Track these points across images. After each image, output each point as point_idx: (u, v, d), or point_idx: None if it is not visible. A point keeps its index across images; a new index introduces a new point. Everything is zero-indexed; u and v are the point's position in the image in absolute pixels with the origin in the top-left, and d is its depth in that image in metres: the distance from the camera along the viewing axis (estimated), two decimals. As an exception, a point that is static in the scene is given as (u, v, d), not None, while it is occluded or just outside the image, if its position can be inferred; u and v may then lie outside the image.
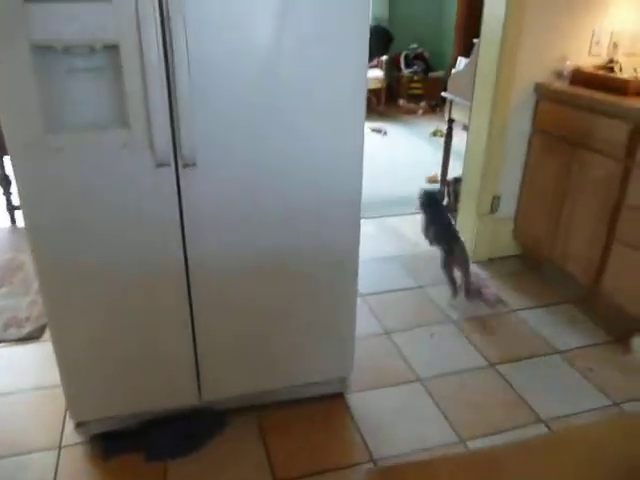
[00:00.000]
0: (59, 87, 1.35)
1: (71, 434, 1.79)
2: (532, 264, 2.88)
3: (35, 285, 2.62)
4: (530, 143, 2.73)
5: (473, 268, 2.84)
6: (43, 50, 1.29)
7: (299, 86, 1.45)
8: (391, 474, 1.03)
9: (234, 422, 1.83)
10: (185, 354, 1.68)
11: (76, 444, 1.77)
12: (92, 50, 1.32)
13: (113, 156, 1.40)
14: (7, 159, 3.09)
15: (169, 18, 1.28)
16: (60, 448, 1.76)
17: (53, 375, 1.98)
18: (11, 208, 3.29)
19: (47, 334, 2.27)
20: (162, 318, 1.62)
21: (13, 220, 3.32)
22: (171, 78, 1.35)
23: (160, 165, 1.42)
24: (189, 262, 1.56)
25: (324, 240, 1.66)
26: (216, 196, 1.51)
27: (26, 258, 2.87)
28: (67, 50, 1.32)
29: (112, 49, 1.31)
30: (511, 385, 2.05)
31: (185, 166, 1.43)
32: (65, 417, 1.86)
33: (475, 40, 3.11)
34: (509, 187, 2.84)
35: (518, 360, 2.19)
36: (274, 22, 1.37)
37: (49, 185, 1.39)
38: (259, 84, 1.42)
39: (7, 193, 3.25)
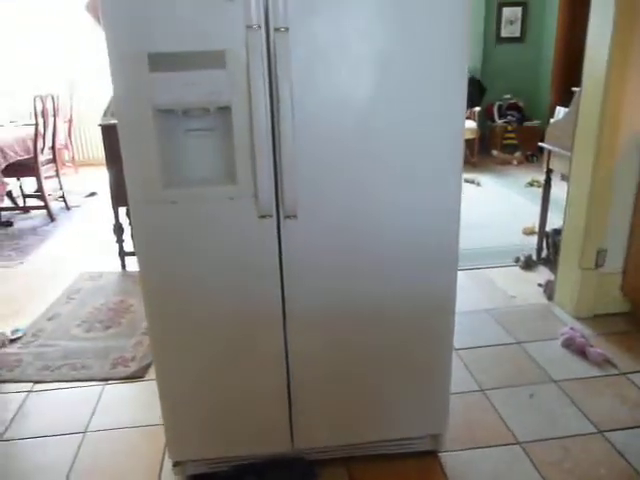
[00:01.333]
0: (177, 146, 1.48)
1: (169, 473, 1.86)
2: (644, 323, 2.67)
3: (141, 327, 2.79)
4: (638, 192, 2.58)
5: (576, 324, 2.69)
6: (164, 113, 1.43)
7: (398, 137, 1.49)
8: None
9: (325, 473, 1.81)
10: (280, 401, 1.71)
11: (173, 483, 1.83)
12: (206, 111, 1.45)
13: (221, 208, 1.49)
14: (122, 210, 3.40)
15: (277, 82, 1.38)
16: (158, 487, 1.83)
17: (154, 414, 2.09)
18: (123, 254, 3.56)
19: (150, 374, 2.40)
20: (259, 364, 1.66)
21: (124, 265, 3.59)
22: (276, 136, 1.43)
23: (263, 216, 1.50)
24: (286, 310, 1.61)
25: (421, 290, 1.65)
26: (315, 246, 1.56)
27: (134, 301, 3.07)
28: (185, 113, 1.45)
29: (224, 110, 1.43)
30: (622, 455, 1.88)
31: (286, 217, 1.50)
32: (164, 456, 1.93)
33: (574, 89, 3.05)
34: (616, 239, 2.68)
35: (629, 428, 2.01)
36: (374, 74, 1.44)
37: (162, 234, 1.51)
38: (357, 135, 1.48)
39: (120, 240, 3.53)
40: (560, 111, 3.49)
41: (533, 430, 2.01)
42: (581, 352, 2.45)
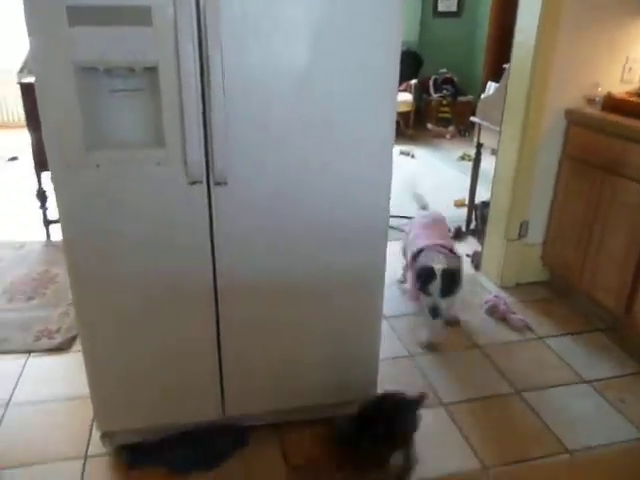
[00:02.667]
0: (99, 107, 1.41)
1: (97, 444, 1.82)
2: (561, 291, 2.83)
3: (67, 297, 2.68)
4: (560, 168, 2.71)
5: (500, 293, 2.82)
6: (86, 71, 1.35)
7: (332, 104, 1.49)
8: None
9: (256, 439, 1.83)
10: (210, 369, 1.70)
11: (102, 454, 1.80)
12: (132, 71, 1.38)
13: (148, 173, 1.45)
14: (44, 175, 3.23)
15: (206, 41, 1.33)
16: (86, 458, 1.79)
17: (81, 386, 2.03)
18: (47, 222, 3.39)
19: (77, 346, 2.33)
20: (189, 333, 1.65)
21: (48, 234, 3.42)
22: (206, 99, 1.39)
23: (193, 182, 1.46)
24: (217, 278, 1.59)
25: (352, 260, 1.67)
26: (246, 213, 1.54)
27: (59, 271, 2.95)
28: (109, 71, 1.38)
29: (151, 70, 1.37)
30: (538, 414, 2.01)
31: (217, 184, 1.47)
32: (92, 427, 1.89)
33: (505, 65, 3.13)
34: (538, 212, 2.82)
35: (545, 388, 2.15)
36: (308, 43, 1.42)
37: (86, 199, 1.45)
38: (291, 102, 1.46)
39: (43, 208, 3.36)
40: (491, 86, 3.58)
41: (457, 392, 2.11)
42: (503, 319, 2.58)
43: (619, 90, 2.58)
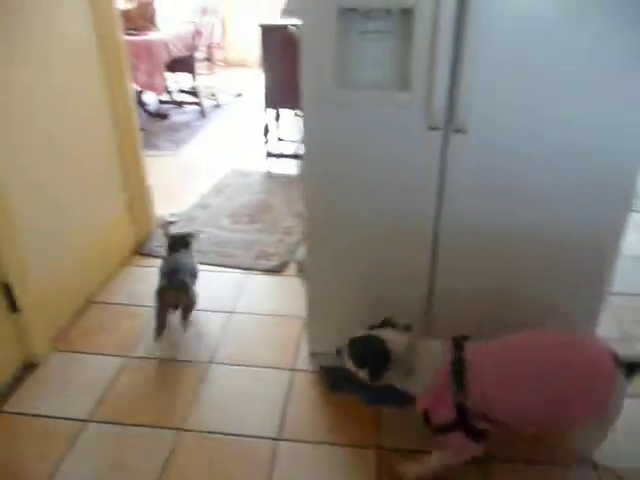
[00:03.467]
0: (352, 48, 1.47)
1: (303, 361, 2.02)
2: None
3: (282, 226, 2.95)
4: None
5: None
6: (346, 13, 1.41)
7: (587, 53, 1.37)
8: None
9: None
10: (420, 301, 1.75)
11: (307, 371, 1.99)
12: (388, 13, 1.40)
13: (390, 115, 1.49)
14: (269, 112, 3.50)
15: (469, -17, 1.29)
16: (294, 371, 1.99)
17: (291, 306, 2.25)
18: (269, 155, 3.71)
19: (289, 270, 2.56)
20: (405, 271, 1.70)
21: (269, 166, 3.75)
22: (459, 46, 1.37)
23: (432, 128, 1.47)
24: (440, 224, 1.61)
25: (585, 225, 1.56)
26: (480, 165, 1.51)
27: (276, 201, 3.23)
28: (366, 13, 1.42)
29: (407, 13, 1.38)
30: None
31: (456, 131, 1.46)
32: (298, 345, 2.09)
33: None
34: None
35: None
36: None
37: (331, 136, 1.54)
38: (546, 52, 1.37)
39: (266, 142, 3.67)
40: None
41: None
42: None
43: None
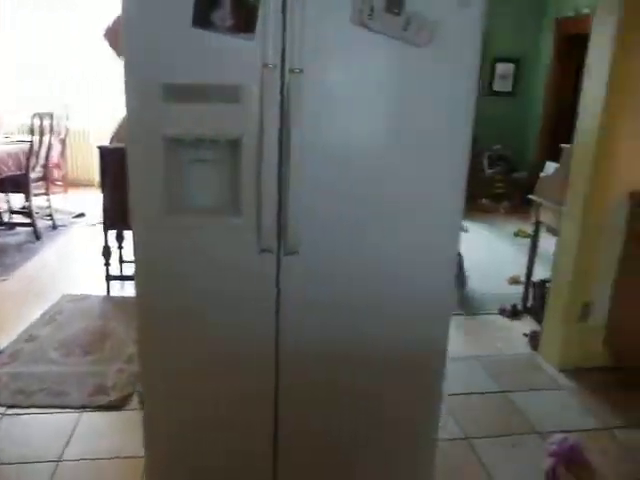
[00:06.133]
0: (183, 174, 1.49)
1: (144, 508, 1.80)
2: (626, 377, 2.68)
3: (123, 353, 2.73)
4: (624, 250, 2.64)
5: (560, 378, 2.71)
6: (173, 142, 1.44)
7: (402, 185, 1.52)
8: None
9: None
10: (265, 439, 1.67)
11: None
12: (216, 143, 1.46)
13: (224, 239, 1.50)
14: (110, 233, 3.38)
15: (289, 117, 1.40)
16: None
17: (133, 444, 2.04)
18: (109, 278, 3.52)
19: (131, 404, 2.35)
20: (249, 404, 1.64)
21: (108, 290, 3.54)
22: (284, 172, 1.45)
23: (263, 250, 1.50)
24: (279, 347, 1.59)
25: (414, 335, 1.65)
26: (312, 284, 1.56)
27: (117, 327, 3.02)
28: (194, 143, 1.46)
29: (234, 143, 1.45)
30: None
31: (287, 254, 1.51)
32: (140, 489, 1.87)
33: (563, 145, 3.15)
34: (601, 294, 2.73)
35: (613, 485, 2.00)
36: (383, 123, 1.48)
37: (163, 260, 1.50)
38: (365, 183, 1.50)
39: (107, 264, 3.49)
40: (550, 166, 3.58)
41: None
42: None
43: (687, 174, 2.54)
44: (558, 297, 2.82)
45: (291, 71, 1.39)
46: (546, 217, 3.29)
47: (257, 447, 1.68)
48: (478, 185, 6.65)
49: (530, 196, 3.44)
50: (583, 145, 2.61)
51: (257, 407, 1.65)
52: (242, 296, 1.55)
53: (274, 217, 1.48)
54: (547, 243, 2.97)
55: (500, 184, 6.51)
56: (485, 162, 6.59)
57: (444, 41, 1.43)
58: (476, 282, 4.06)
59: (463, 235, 5.70)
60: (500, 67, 6.73)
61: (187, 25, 1.35)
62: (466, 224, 5.72)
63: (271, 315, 1.57)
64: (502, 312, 3.48)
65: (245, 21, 1.37)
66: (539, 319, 3.08)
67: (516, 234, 5.39)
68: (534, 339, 3.03)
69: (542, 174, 3.52)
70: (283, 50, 1.39)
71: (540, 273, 3.35)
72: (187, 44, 1.37)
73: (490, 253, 4.95)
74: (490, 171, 6.54)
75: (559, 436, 2.17)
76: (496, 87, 6.81)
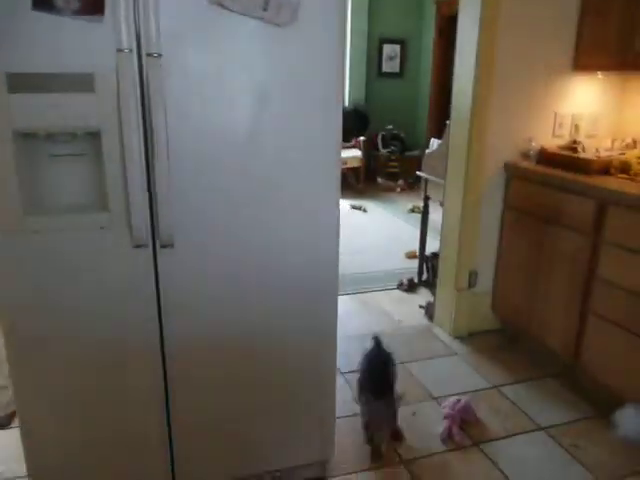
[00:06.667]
0: (40, 172, 1.39)
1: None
2: (512, 338, 2.88)
3: (5, 369, 2.54)
4: (503, 219, 2.82)
5: (454, 344, 2.85)
6: (26, 137, 1.33)
7: (276, 168, 1.51)
8: None
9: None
10: (159, 438, 1.63)
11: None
12: (74, 137, 1.37)
13: (92, 237, 1.41)
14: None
15: (150, 106, 1.34)
16: None
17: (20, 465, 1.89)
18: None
19: (16, 422, 2.18)
20: (136, 400, 1.58)
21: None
22: (150, 163, 1.39)
23: (138, 246, 1.43)
24: (165, 341, 1.55)
25: (303, 315, 1.66)
26: (193, 275, 1.52)
27: (-1, 340, 2.80)
28: (49, 137, 1.36)
29: (93, 136, 1.36)
30: (496, 464, 2.00)
31: (163, 247, 1.45)
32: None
33: (447, 122, 3.28)
34: (486, 262, 2.90)
35: (501, 438, 2.14)
36: (251, 106, 1.45)
37: (24, 267, 1.39)
38: (235, 166, 1.48)
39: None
40: (434, 142, 3.73)
41: (417, 450, 2.08)
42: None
43: (552, 144, 2.73)
44: (447, 268, 2.96)
45: (149, 55, 1.33)
46: (434, 192, 3.43)
47: (149, 433, 1.63)
48: (374, 165, 6.85)
49: (418, 172, 3.57)
50: (458, 121, 2.74)
51: (147, 405, 1.59)
52: (120, 295, 1.48)
53: (145, 210, 1.42)
54: (439, 217, 3.10)
55: (395, 163, 6.73)
56: (379, 142, 6.77)
57: (307, 21, 1.42)
58: (377, 258, 4.18)
59: (362, 215, 5.86)
60: (387, 48, 6.91)
61: (28, 8, 1.25)
62: (364, 204, 5.87)
63: (153, 309, 1.51)
64: (400, 286, 3.61)
65: (93, 2, 1.28)
66: (433, 291, 3.22)
67: (411, 210, 5.60)
68: (429, 310, 3.17)
69: (427, 151, 3.66)
70: (138, 34, 1.32)
71: (434, 246, 3.49)
72: (29, 30, 1.26)
73: (388, 231, 5.11)
74: (385, 151, 6.74)
75: (452, 399, 2.29)
76: (385, 68, 6.99)
